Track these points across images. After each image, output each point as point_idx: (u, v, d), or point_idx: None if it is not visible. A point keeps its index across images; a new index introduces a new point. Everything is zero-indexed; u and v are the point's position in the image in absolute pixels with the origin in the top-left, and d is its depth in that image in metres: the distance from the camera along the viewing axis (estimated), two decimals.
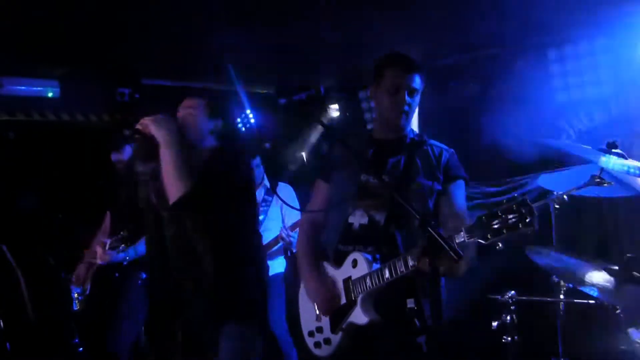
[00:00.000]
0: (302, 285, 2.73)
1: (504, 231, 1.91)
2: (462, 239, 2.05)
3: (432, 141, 2.65)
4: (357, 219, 2.54)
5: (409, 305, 2.22)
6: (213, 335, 3.15)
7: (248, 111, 5.33)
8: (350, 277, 2.47)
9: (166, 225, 3.18)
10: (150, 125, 2.84)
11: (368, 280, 2.38)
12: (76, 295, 4.27)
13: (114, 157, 3.99)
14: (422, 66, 2.57)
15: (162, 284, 3.16)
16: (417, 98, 2.59)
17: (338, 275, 2.54)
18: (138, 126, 2.93)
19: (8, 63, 4.23)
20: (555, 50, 4.12)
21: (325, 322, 2.57)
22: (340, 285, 2.51)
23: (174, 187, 2.82)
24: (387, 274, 2.31)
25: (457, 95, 4.61)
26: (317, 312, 2.60)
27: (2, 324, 4.04)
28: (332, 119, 5.43)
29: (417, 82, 2.55)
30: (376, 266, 2.38)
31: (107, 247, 3.77)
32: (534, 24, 3.77)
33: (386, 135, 2.64)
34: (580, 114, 3.94)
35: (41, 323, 4.17)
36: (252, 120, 5.37)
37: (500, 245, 1.91)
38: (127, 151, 3.95)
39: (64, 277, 4.18)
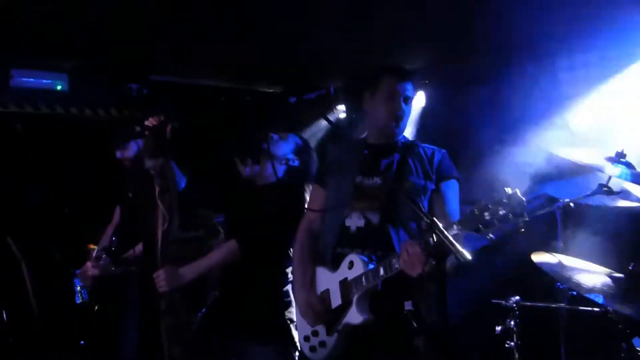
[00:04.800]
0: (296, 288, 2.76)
1: (496, 223, 1.94)
2: (456, 232, 2.07)
3: (424, 144, 2.71)
4: (354, 221, 2.56)
5: (406, 308, 2.28)
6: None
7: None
8: (346, 279, 2.48)
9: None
10: (170, 285, 2.97)
11: (364, 279, 2.40)
12: (79, 288, 4.27)
13: (119, 154, 3.98)
14: (415, 74, 2.73)
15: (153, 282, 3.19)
16: (410, 106, 2.67)
17: (334, 278, 2.55)
18: (147, 123, 3.00)
19: (18, 55, 4.24)
20: (565, 58, 4.14)
21: (321, 325, 2.58)
22: (337, 287, 2.52)
23: (227, 262, 3.02)
24: (381, 272, 2.33)
25: (465, 100, 4.63)
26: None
27: (5, 316, 4.06)
28: (339, 120, 5.45)
29: (410, 89, 2.64)
30: (372, 266, 2.40)
31: (93, 260, 3.74)
32: (544, 31, 3.78)
33: (379, 141, 2.71)
34: (588, 121, 3.95)
35: (44, 316, 4.18)
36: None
37: (492, 236, 1.96)
38: (132, 148, 3.93)
39: (68, 270, 4.18)
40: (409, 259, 2.18)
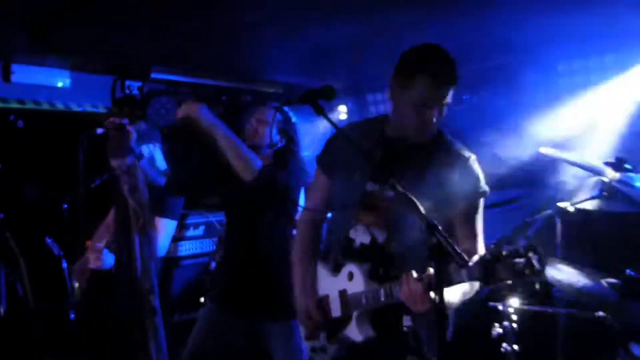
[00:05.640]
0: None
1: (508, 277, 1.75)
2: (462, 278, 1.91)
3: (453, 143, 2.36)
4: (359, 235, 2.39)
5: (405, 324, 2.21)
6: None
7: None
8: (345, 290, 2.38)
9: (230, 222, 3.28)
10: (195, 114, 2.96)
11: (363, 299, 2.28)
12: (77, 284, 4.27)
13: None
14: (459, 75, 2.25)
15: (124, 279, 3.20)
16: (444, 109, 2.27)
17: (334, 285, 2.45)
18: (183, 111, 3.04)
19: (19, 51, 4.23)
20: (565, 63, 4.14)
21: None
22: (336, 296, 2.43)
23: (244, 166, 2.94)
24: (382, 297, 2.20)
25: (465, 104, 4.63)
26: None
27: (2, 311, 4.05)
28: (339, 120, 5.44)
29: (449, 95, 2.23)
30: (372, 285, 2.29)
31: (101, 251, 3.72)
32: (545, 37, 3.78)
33: (401, 134, 2.34)
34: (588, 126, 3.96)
35: (41, 313, 4.17)
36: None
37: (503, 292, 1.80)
38: (144, 151, 3.87)
39: (66, 266, 4.19)
40: (410, 294, 2.05)
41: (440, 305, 1.85)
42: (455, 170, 2.26)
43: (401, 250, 2.29)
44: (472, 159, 2.33)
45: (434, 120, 2.25)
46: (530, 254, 1.71)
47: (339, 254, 2.46)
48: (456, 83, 2.24)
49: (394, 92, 2.31)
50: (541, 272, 1.70)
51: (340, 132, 2.24)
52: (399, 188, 2.00)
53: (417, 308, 2.06)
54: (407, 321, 2.21)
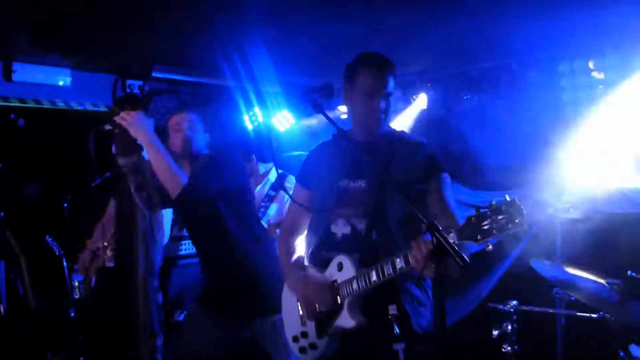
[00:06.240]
0: (284, 289, 2.73)
1: (494, 232, 1.92)
2: (453, 241, 2.01)
3: (409, 135, 2.61)
4: (340, 228, 2.52)
5: (390, 312, 2.27)
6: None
7: (256, 109, 5.37)
8: (336, 281, 2.46)
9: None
10: (127, 125, 2.98)
11: (355, 283, 2.37)
12: (77, 283, 4.27)
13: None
14: (394, 66, 2.51)
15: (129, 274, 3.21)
16: (392, 99, 2.53)
17: (324, 280, 2.51)
18: (118, 120, 3.04)
19: (21, 50, 4.24)
20: (567, 64, 4.15)
21: (311, 326, 2.55)
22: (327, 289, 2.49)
23: (170, 182, 2.94)
24: (374, 277, 2.31)
25: (467, 105, 4.63)
26: (301, 313, 2.58)
27: (2, 310, 4.06)
28: (339, 120, 5.44)
29: (391, 85, 2.49)
30: (362, 269, 2.37)
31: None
32: (547, 37, 3.78)
33: (363, 137, 2.57)
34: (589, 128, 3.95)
35: (41, 311, 4.18)
36: (260, 119, 5.43)
37: (491, 247, 1.94)
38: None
39: (66, 265, 4.19)
40: (420, 258, 2.08)
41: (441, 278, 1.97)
42: (413, 156, 2.47)
43: (382, 236, 2.42)
44: (426, 145, 2.54)
45: (382, 108, 2.48)
46: (511, 210, 1.89)
47: (321, 248, 2.57)
48: (393, 72, 2.50)
49: (346, 96, 2.58)
50: (522, 223, 1.87)
51: (336, 135, 2.46)
52: (372, 179, 2.26)
53: (427, 271, 2.10)
54: (392, 310, 2.27)
